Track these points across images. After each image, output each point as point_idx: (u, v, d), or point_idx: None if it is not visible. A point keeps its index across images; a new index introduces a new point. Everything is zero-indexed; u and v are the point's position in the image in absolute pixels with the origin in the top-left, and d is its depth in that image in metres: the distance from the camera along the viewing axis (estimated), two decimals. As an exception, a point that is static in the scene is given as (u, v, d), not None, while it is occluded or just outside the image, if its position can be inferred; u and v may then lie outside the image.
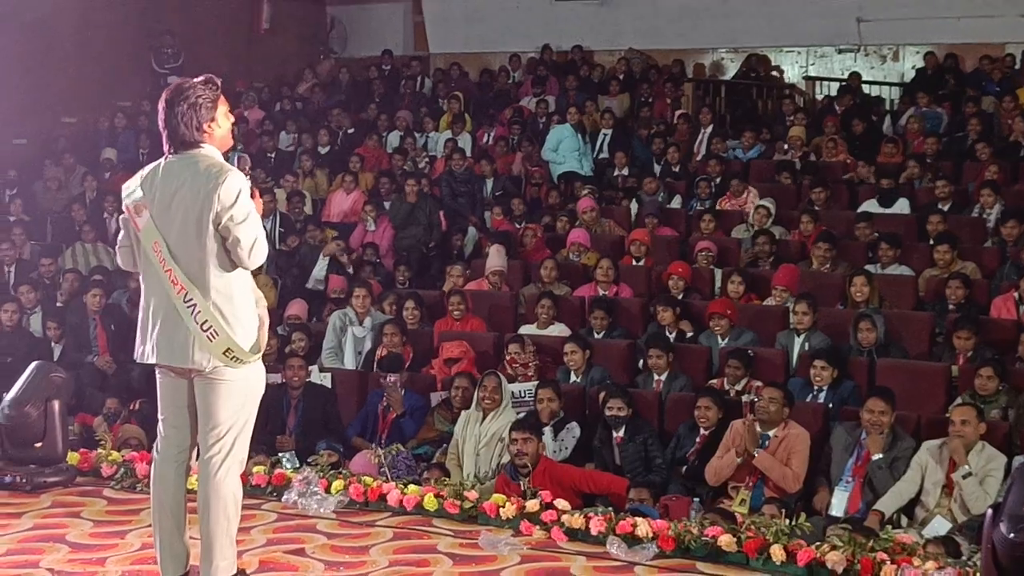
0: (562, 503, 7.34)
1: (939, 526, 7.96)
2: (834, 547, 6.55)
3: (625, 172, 16.11)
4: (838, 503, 8.51)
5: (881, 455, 8.53)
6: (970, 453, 8.19)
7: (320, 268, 13.55)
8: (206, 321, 5.40)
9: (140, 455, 8.23)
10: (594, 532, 7.02)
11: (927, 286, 11.53)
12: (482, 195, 15.77)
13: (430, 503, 7.51)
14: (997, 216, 12.73)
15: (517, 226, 14.37)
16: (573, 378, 10.29)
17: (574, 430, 9.37)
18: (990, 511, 5.71)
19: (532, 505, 7.31)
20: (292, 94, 20.41)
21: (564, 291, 12.13)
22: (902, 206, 13.62)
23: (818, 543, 6.67)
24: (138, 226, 5.51)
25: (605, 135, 17.08)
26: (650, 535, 6.89)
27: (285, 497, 7.72)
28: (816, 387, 9.65)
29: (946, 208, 13.23)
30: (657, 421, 9.70)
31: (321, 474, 7.79)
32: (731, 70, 20.63)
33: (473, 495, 7.55)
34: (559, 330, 11.20)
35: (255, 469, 8.05)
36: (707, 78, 20.15)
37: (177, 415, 5.71)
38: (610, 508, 7.36)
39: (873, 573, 6.33)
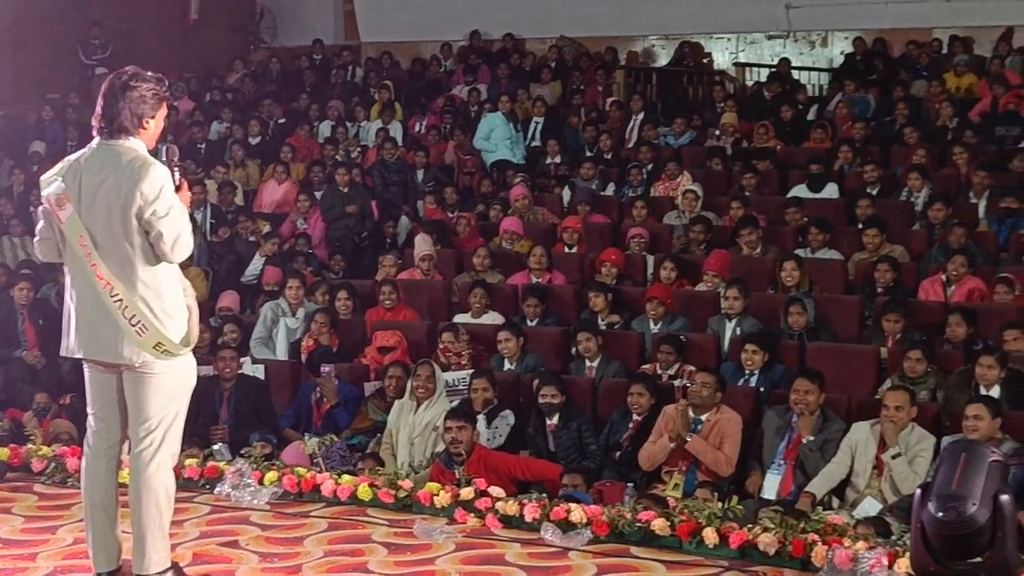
0: (496, 490, 7.36)
1: (869, 507, 8.04)
2: (766, 529, 6.61)
3: (557, 160, 16.13)
4: (770, 486, 8.57)
5: (812, 437, 8.60)
6: (900, 434, 8.28)
7: (255, 266, 13.47)
8: (134, 316, 5.36)
9: (71, 450, 8.17)
10: (528, 519, 7.04)
11: (856, 270, 11.63)
12: (414, 184, 15.75)
13: (364, 493, 7.50)
14: (925, 199, 12.85)
15: (450, 215, 14.36)
16: (507, 366, 10.31)
17: (508, 418, 9.39)
18: (919, 491, 5.79)
19: (466, 493, 7.32)
20: (222, 84, 20.29)
21: (497, 279, 12.13)
22: (831, 191, 13.73)
23: (750, 526, 6.73)
24: (60, 219, 5.44)
25: (537, 123, 17.12)
26: (584, 521, 6.92)
27: (218, 489, 7.69)
28: (748, 371, 9.71)
29: (874, 192, 13.34)
30: (590, 407, 9.73)
31: (254, 466, 7.76)
32: (662, 57, 20.72)
33: (407, 484, 7.56)
34: (492, 318, 11.21)
35: (187, 462, 8.01)
36: (638, 65, 20.20)
37: (106, 409, 5.67)
38: (544, 495, 7.39)
39: (804, 554, 6.39)
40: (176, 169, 5.57)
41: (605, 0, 20.56)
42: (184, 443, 8.85)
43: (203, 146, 17.54)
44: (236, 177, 16.14)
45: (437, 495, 7.37)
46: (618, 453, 9.18)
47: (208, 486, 7.83)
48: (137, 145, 5.48)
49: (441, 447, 8.71)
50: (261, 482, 7.65)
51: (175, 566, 5.76)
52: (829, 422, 8.69)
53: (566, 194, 14.93)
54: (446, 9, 21.26)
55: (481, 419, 9.18)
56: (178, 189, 5.51)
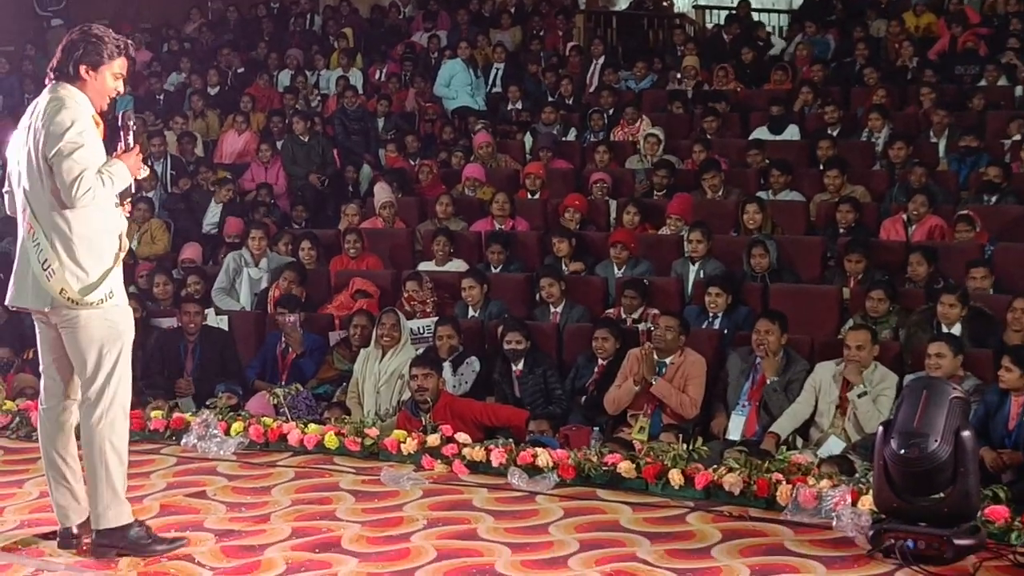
0: (463, 437, 7.41)
1: (833, 446, 8.10)
2: (731, 470, 6.68)
3: (519, 106, 16.09)
4: (735, 427, 8.63)
5: (776, 378, 8.65)
6: (863, 373, 8.33)
7: (213, 214, 13.42)
8: (46, 260, 5.41)
9: (35, 404, 8.11)
10: (495, 464, 7.10)
11: (818, 211, 11.66)
12: (376, 132, 15.69)
13: (331, 441, 7.54)
14: (885, 139, 12.88)
15: (412, 163, 14.32)
16: (471, 313, 10.31)
17: (474, 364, 9.41)
18: (881, 429, 5.86)
19: (433, 440, 7.37)
20: (179, 35, 20.09)
21: (460, 226, 12.12)
22: (792, 132, 13.75)
23: (715, 466, 6.80)
24: (8, 165, 5.56)
25: (498, 69, 17.04)
26: (551, 465, 6.97)
27: (184, 440, 7.72)
28: (711, 314, 9.75)
29: (835, 133, 13.37)
30: (555, 353, 9.75)
31: (220, 417, 7.79)
32: (622, 1, 20.65)
33: (374, 432, 7.59)
34: (457, 266, 11.20)
35: (153, 414, 8.04)
36: (598, 9, 20.11)
37: (49, 362, 5.70)
38: (510, 440, 7.44)
39: (769, 493, 6.47)
40: (131, 132, 5.62)
41: (565, -57, 20.45)
42: (150, 395, 8.99)
43: (161, 97, 17.41)
44: (195, 128, 16.04)
45: (403, 442, 7.41)
46: (584, 398, 9.22)
47: (174, 437, 7.86)
48: (73, 93, 5.51)
49: (407, 395, 8.73)
50: (227, 433, 7.68)
51: (137, 522, 5.72)
52: (792, 363, 8.74)
53: (528, 140, 14.91)
54: (405, -45, 21.12)
55: (447, 366, 9.19)
56: (126, 151, 5.55)
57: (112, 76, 5.60)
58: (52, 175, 5.36)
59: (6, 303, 5.72)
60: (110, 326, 5.55)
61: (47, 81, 5.59)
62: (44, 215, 5.41)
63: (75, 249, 5.43)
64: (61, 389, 5.71)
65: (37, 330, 5.73)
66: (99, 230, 5.50)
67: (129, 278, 11.85)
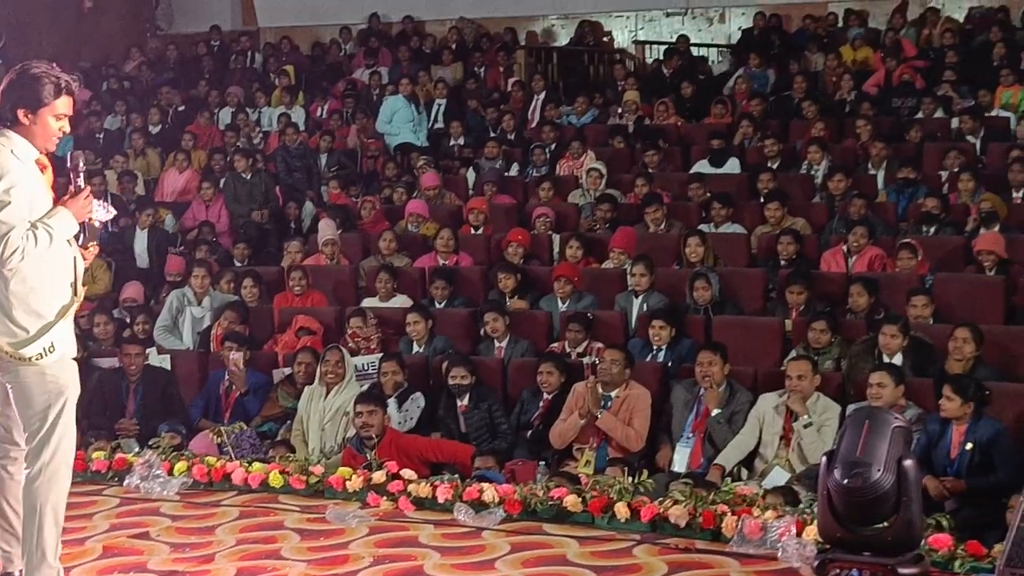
0: (408, 473, 7.40)
1: (777, 476, 8.14)
2: (676, 502, 6.71)
3: (461, 141, 16.13)
4: (680, 459, 8.64)
5: (720, 410, 8.69)
6: (806, 403, 8.39)
7: (140, 242, 13.36)
8: None
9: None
10: (441, 500, 7.10)
11: (759, 243, 11.74)
12: (318, 169, 15.68)
13: (275, 480, 7.51)
14: (824, 172, 13.00)
15: (354, 199, 14.31)
16: (416, 348, 10.30)
17: (419, 400, 9.39)
18: (824, 458, 5.88)
19: (378, 476, 7.37)
20: (119, 73, 20.03)
21: (404, 262, 12.12)
22: (733, 166, 13.85)
23: (661, 499, 6.83)
24: None
25: (439, 105, 17.08)
26: (497, 500, 6.98)
27: (127, 481, 7.67)
28: (655, 346, 9.78)
29: (775, 166, 13.48)
30: (500, 387, 9.74)
31: (163, 457, 7.74)
32: (563, 37, 20.76)
33: (319, 470, 7.57)
34: (401, 302, 11.18)
35: (95, 455, 8.00)
36: (539, 45, 20.23)
37: (1, 412, 5.54)
38: (456, 476, 7.43)
39: (715, 525, 6.50)
40: (80, 175, 5.47)
41: (505, -20, 20.60)
42: (92, 436, 8.91)
43: (101, 136, 17.32)
44: (136, 166, 15.98)
45: (349, 479, 7.40)
46: (529, 432, 9.21)
47: (116, 478, 7.80)
48: (12, 139, 5.34)
49: (352, 432, 8.69)
50: (171, 473, 7.65)
51: None
52: (736, 394, 8.78)
53: (470, 175, 14.95)
54: (344, -7, 21.22)
55: (392, 402, 9.17)
56: (74, 195, 5.42)
57: (54, 117, 5.42)
58: None
59: None
60: (51, 381, 5.40)
61: None
62: None
63: (9, 308, 5.29)
64: (9, 438, 5.55)
65: None
66: (36, 287, 5.34)
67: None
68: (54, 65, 5.49)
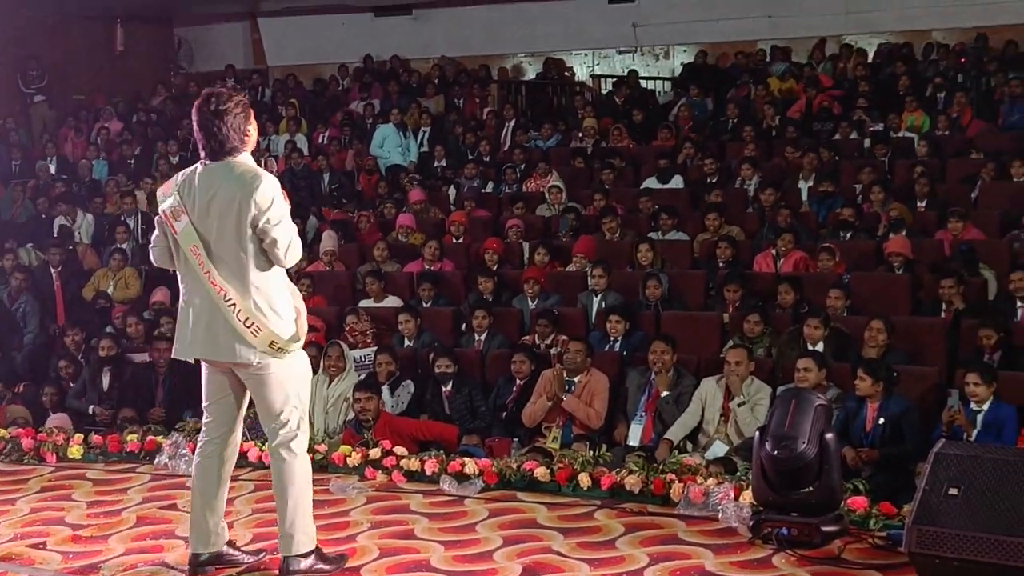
0: (400, 450, 7.38)
1: (718, 449, 8.15)
2: (631, 472, 6.70)
3: (444, 163, 16.13)
4: (634, 435, 8.65)
5: (668, 392, 8.70)
6: (742, 386, 8.41)
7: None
8: (248, 319, 5.04)
9: (25, 431, 8.06)
10: (428, 472, 7.08)
11: (700, 248, 11.75)
12: (320, 188, 15.64)
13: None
14: (756, 186, 13.04)
15: (351, 214, 14.28)
16: (406, 343, 10.28)
17: (409, 387, 9.37)
18: (758, 433, 5.91)
19: (375, 453, 7.34)
20: (147, 107, 19.95)
21: (395, 268, 12.10)
22: (677, 182, 13.86)
23: (618, 469, 6.82)
24: (175, 230, 5.12)
25: (425, 132, 17.06)
26: (477, 472, 6.97)
27: (157, 460, 7.63)
28: (612, 338, 9.78)
29: (713, 181, 13.51)
30: (479, 375, 9.74)
31: (188, 438, 7.70)
32: (530, 72, 20.80)
33: (323, 448, 7.54)
34: (392, 302, 11.17)
35: (129, 437, 7.96)
36: (510, 79, 20.24)
37: (217, 404, 5.37)
38: (442, 452, 7.43)
39: (664, 492, 6.49)
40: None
41: (479, 23, 20.60)
42: (126, 422, 8.88)
43: (132, 162, 17.26)
44: (162, 188, 15.89)
45: (349, 456, 7.38)
46: (504, 413, 9.21)
47: (148, 457, 7.76)
48: (246, 158, 5.17)
49: (352, 415, 8.69)
50: (195, 452, 7.58)
51: (317, 548, 5.41)
52: (682, 378, 8.79)
53: (452, 192, 14.94)
54: (341, 35, 21.22)
55: (385, 389, 9.16)
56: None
57: (254, 121, 5.25)
58: (254, 240, 5.03)
59: (198, 357, 5.29)
60: (301, 368, 5.29)
61: (209, 157, 5.11)
62: (239, 276, 5.05)
63: (275, 304, 5.11)
64: (221, 427, 5.38)
65: (206, 374, 5.36)
66: (283, 285, 5.21)
67: (107, 320, 11.83)
68: (220, 84, 5.33)
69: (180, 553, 5.81)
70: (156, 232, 5.32)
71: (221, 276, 5.05)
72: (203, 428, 5.46)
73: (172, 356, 5.41)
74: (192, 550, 5.42)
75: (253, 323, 5.05)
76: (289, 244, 5.09)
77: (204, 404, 5.43)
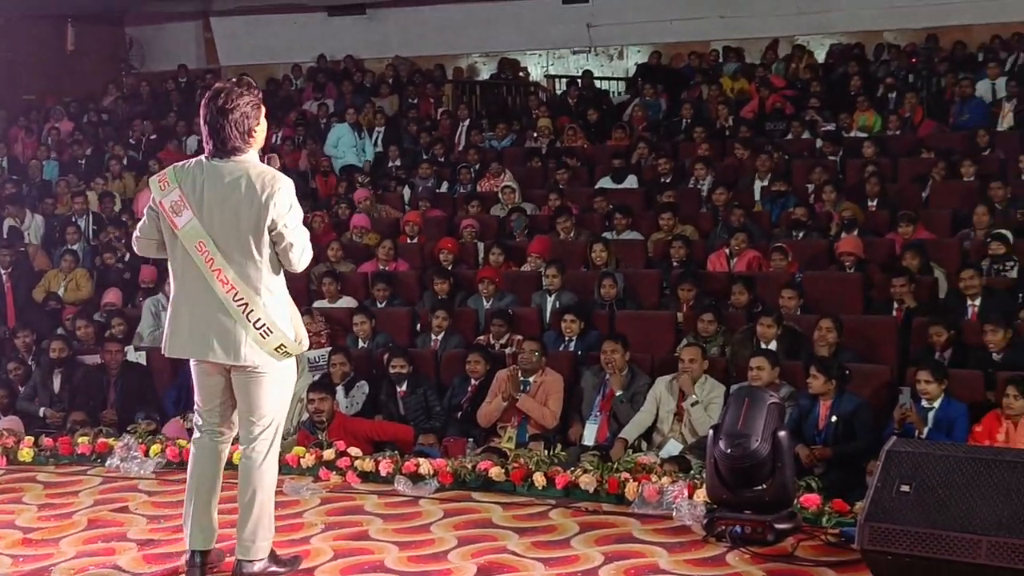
0: (355, 451, 7.35)
1: (672, 447, 8.18)
2: (586, 471, 6.70)
3: (398, 163, 16.09)
4: (589, 434, 8.67)
5: (622, 391, 8.72)
6: (696, 384, 8.44)
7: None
8: (259, 320, 4.95)
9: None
10: (383, 473, 7.05)
11: (655, 248, 11.77)
12: (274, 189, 15.52)
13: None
14: (709, 186, 13.08)
15: (307, 214, 14.17)
16: (361, 343, 10.25)
17: (363, 387, 9.35)
18: (711, 431, 5.92)
19: (329, 454, 7.30)
20: (98, 107, 19.78)
21: (349, 268, 12.06)
22: (631, 181, 13.89)
23: (573, 469, 6.82)
24: (176, 224, 4.97)
25: (379, 132, 17.01)
26: (432, 472, 6.95)
27: (109, 462, 7.56)
28: (567, 337, 9.79)
29: (667, 181, 13.55)
30: (434, 375, 9.72)
31: (140, 440, 7.63)
32: (484, 72, 20.78)
33: (277, 449, 7.48)
34: (347, 302, 11.13)
35: (80, 439, 7.87)
36: (464, 79, 20.22)
37: (213, 404, 5.24)
38: (396, 452, 7.40)
39: (619, 490, 6.50)
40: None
41: (433, 23, 20.56)
42: (77, 424, 8.79)
43: (83, 162, 17.10)
44: (114, 188, 15.78)
45: (303, 457, 7.33)
46: (459, 413, 9.20)
47: (99, 460, 7.68)
48: (254, 157, 5.06)
49: (306, 416, 8.65)
50: (147, 454, 7.54)
51: (272, 550, 5.34)
52: (636, 377, 8.81)
53: (406, 192, 14.91)
54: (294, 35, 21.13)
55: (340, 390, 9.13)
56: None
57: (264, 119, 5.14)
58: (269, 243, 4.94)
59: (189, 355, 5.15)
60: (290, 372, 5.22)
61: (213, 154, 4.99)
62: (253, 278, 4.95)
63: (283, 309, 5.05)
64: (220, 425, 5.28)
65: (197, 375, 5.23)
66: (285, 289, 5.14)
67: (58, 321, 11.71)
68: (231, 80, 5.20)
69: (132, 556, 5.76)
70: (144, 222, 5.16)
71: (233, 275, 4.95)
72: (200, 425, 5.33)
73: (165, 354, 5.27)
74: (191, 547, 5.28)
75: (265, 325, 4.97)
76: (304, 249, 5.03)
77: (196, 404, 5.32)
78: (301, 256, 5.03)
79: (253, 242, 4.94)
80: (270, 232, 4.94)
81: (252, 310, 4.96)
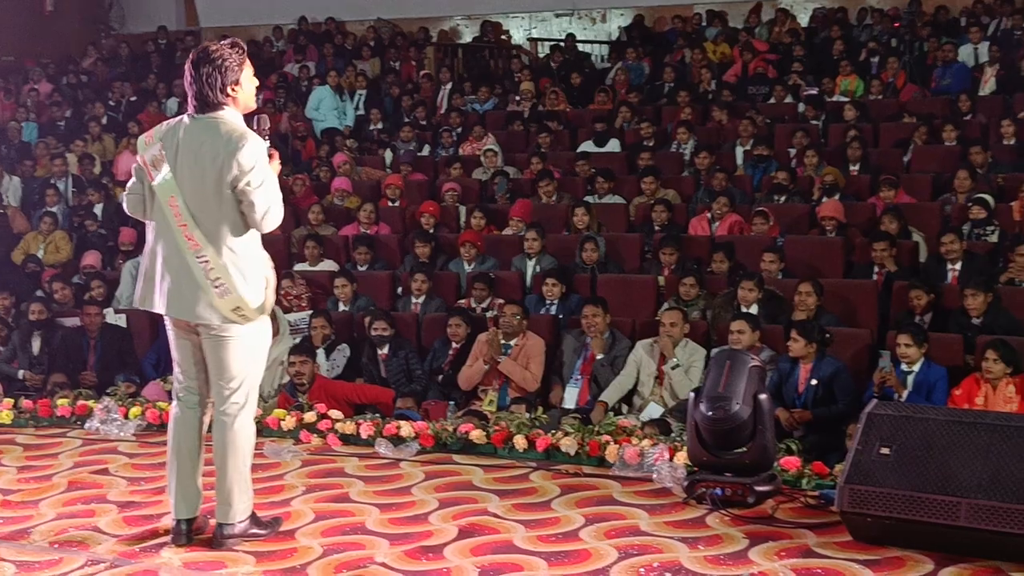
0: (336, 413, 7.34)
1: (653, 411, 8.20)
2: (567, 434, 6.71)
3: (380, 126, 16.03)
4: (570, 397, 8.69)
5: (603, 355, 8.73)
6: (677, 348, 8.45)
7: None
8: (218, 278, 4.90)
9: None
10: (364, 436, 7.05)
11: (636, 212, 11.77)
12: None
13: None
14: (691, 150, 13.06)
15: (286, 177, 14.12)
16: (342, 307, 10.23)
17: (344, 351, 9.33)
18: (692, 394, 5.92)
19: (309, 417, 7.29)
20: (78, 68, 19.61)
21: (330, 231, 12.01)
22: (613, 145, 13.87)
23: (553, 431, 6.82)
24: (153, 179, 4.98)
25: (360, 95, 16.92)
26: (412, 435, 6.94)
27: (88, 424, 7.54)
28: (548, 301, 9.79)
29: (650, 145, 13.52)
30: (415, 338, 9.72)
31: (120, 402, 7.61)
32: (467, 35, 20.67)
33: (258, 412, 7.46)
34: (328, 266, 11.10)
35: (60, 402, 7.84)
36: (446, 42, 20.11)
37: (190, 367, 5.20)
38: (377, 415, 7.40)
39: (600, 453, 6.51)
40: (267, 139, 5.06)
41: (415, -15, 20.45)
42: (57, 386, 8.75)
43: (62, 124, 16.98)
44: (94, 150, 15.67)
45: (283, 420, 7.33)
46: (440, 376, 9.20)
47: (79, 422, 7.66)
48: (232, 115, 4.97)
49: (287, 379, 8.63)
50: (127, 416, 7.51)
51: (252, 512, 5.30)
52: (617, 341, 8.82)
53: (388, 155, 14.85)
54: (275, -3, 20.97)
55: (320, 353, 9.11)
56: (269, 159, 5.03)
57: (249, 78, 5.05)
58: (235, 201, 4.89)
59: (160, 311, 5.10)
60: (261, 336, 5.14)
61: (194, 110, 4.97)
62: (216, 236, 4.90)
63: (246, 270, 4.96)
64: (198, 389, 5.23)
65: (172, 337, 5.20)
66: (258, 252, 5.06)
67: (37, 284, 11.65)
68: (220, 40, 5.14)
69: (112, 518, 5.74)
70: (133, 180, 5.16)
71: (198, 232, 4.91)
72: (178, 391, 5.30)
73: (136, 306, 5.26)
74: (176, 516, 5.26)
75: (223, 284, 4.92)
76: (268, 209, 4.92)
77: (175, 367, 5.28)
78: (264, 216, 4.92)
79: (217, 199, 4.91)
80: (233, 189, 4.90)
81: (212, 268, 4.91)
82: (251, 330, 5.07)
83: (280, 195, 5.03)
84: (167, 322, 5.20)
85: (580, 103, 15.83)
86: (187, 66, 4.98)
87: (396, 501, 5.94)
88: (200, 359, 5.18)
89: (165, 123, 5.14)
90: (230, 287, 4.92)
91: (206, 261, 4.91)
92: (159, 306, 5.08)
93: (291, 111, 16.34)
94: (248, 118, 5.09)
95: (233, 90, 4.98)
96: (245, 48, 5.08)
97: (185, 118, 5.05)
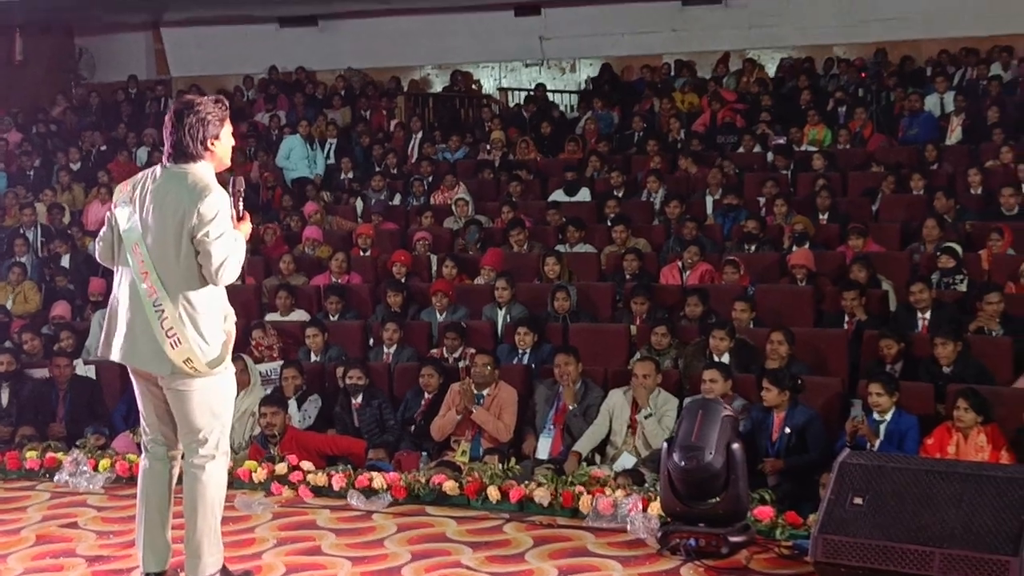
0: (307, 465, 7.31)
1: (626, 460, 8.18)
2: (540, 484, 6.70)
3: (351, 175, 16.05)
4: (543, 448, 8.66)
5: (576, 405, 8.71)
6: (649, 397, 8.45)
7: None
8: (171, 328, 4.88)
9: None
10: (336, 487, 7.02)
11: (608, 261, 11.79)
12: (224, 200, 15.42)
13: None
14: (662, 199, 13.14)
15: (257, 226, 14.10)
16: (313, 357, 10.19)
17: (316, 401, 9.29)
18: (665, 444, 5.93)
19: (281, 468, 7.26)
20: (47, 117, 19.58)
21: (301, 281, 11.99)
22: (584, 194, 13.92)
23: (527, 482, 6.82)
24: (121, 226, 5.01)
25: (331, 144, 16.96)
26: (385, 486, 6.92)
27: (57, 477, 7.48)
28: (520, 350, 9.78)
29: (620, 194, 13.59)
30: (387, 388, 9.68)
31: (89, 455, 7.55)
32: (437, 84, 20.79)
33: (229, 463, 7.42)
34: (299, 315, 11.07)
35: (28, 454, 7.79)
36: (417, 92, 20.21)
37: (154, 419, 5.20)
38: (349, 466, 7.37)
39: (573, 504, 6.50)
40: (240, 199, 5.08)
41: (386, 35, 20.53)
42: (25, 439, 8.67)
43: (31, 173, 16.92)
44: (63, 200, 15.62)
45: (255, 472, 7.29)
46: (413, 427, 9.16)
47: (48, 475, 7.59)
48: (205, 169, 5.00)
49: (258, 430, 8.58)
50: (96, 469, 7.46)
51: (224, 567, 5.27)
52: (590, 390, 8.82)
53: (359, 204, 14.86)
54: (245, 46, 20.97)
55: (292, 403, 9.07)
56: (240, 219, 5.05)
57: (229, 135, 5.09)
58: (194, 253, 4.89)
59: (117, 360, 5.11)
60: (226, 388, 5.11)
61: (167, 159, 5.01)
62: (174, 286, 4.90)
63: (201, 323, 4.93)
64: (165, 440, 5.22)
65: (136, 387, 5.21)
66: (217, 306, 5.02)
67: (6, 335, 11.56)
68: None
69: (80, 572, 5.68)
70: (105, 228, 5.17)
71: (157, 281, 4.92)
72: (146, 443, 5.29)
73: (100, 356, 5.25)
74: (145, 570, 5.23)
75: (176, 334, 4.90)
76: (223, 262, 4.89)
77: (142, 417, 5.28)
78: (220, 269, 4.90)
79: (175, 248, 4.92)
80: (191, 240, 4.90)
81: (167, 318, 4.91)
82: (211, 383, 5.05)
83: (243, 251, 5.03)
84: (130, 371, 5.19)
85: (550, 152, 15.91)
86: (169, 115, 5.02)
87: (369, 554, 5.92)
88: (165, 410, 5.17)
89: (141, 172, 5.19)
90: (182, 338, 4.91)
91: (162, 310, 4.91)
92: (115, 354, 5.08)
93: (261, 160, 16.35)
94: (223, 178, 5.11)
95: (212, 144, 5.02)
96: (228, 105, 5.12)
97: (158, 168, 5.08)
